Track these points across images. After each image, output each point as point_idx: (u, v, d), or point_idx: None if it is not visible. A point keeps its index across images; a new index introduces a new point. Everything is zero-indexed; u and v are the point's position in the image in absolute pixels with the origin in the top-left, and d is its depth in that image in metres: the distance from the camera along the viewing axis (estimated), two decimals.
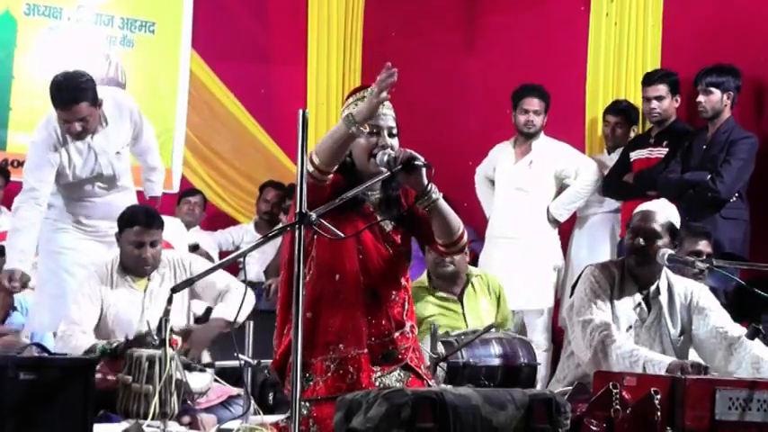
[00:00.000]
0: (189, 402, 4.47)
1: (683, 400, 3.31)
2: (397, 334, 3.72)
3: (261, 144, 8.32)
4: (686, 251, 4.80)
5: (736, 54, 5.94)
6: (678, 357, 4.03)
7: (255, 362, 4.34)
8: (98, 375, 3.99)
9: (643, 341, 4.12)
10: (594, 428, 3.35)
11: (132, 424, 3.88)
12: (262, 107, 8.33)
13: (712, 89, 5.74)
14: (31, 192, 5.27)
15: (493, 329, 4.69)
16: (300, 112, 3.10)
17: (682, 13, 6.41)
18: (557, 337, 6.42)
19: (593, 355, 3.99)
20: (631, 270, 4.21)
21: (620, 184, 6.33)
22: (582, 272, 4.30)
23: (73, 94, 5.08)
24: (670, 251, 4.11)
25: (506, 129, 6.73)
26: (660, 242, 4.13)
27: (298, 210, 3.08)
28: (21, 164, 6.93)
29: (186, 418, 4.38)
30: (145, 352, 4.16)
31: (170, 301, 3.40)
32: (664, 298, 4.21)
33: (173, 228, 6.36)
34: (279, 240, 5.74)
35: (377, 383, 3.59)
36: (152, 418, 3.83)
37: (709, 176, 5.63)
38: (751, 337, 3.96)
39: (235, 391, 4.78)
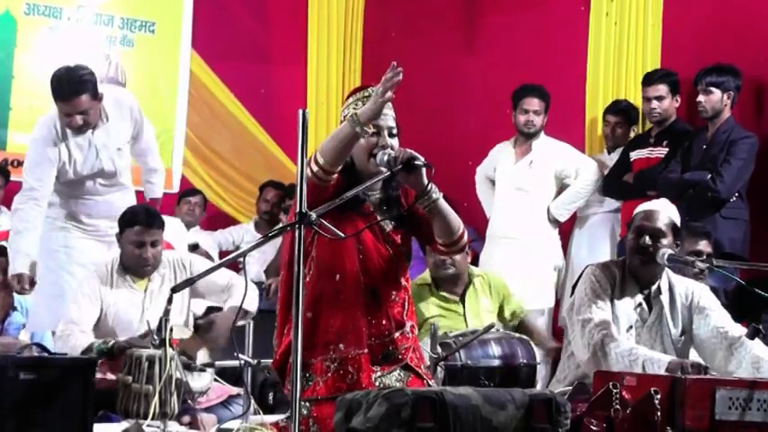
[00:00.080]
0: (189, 402, 4.47)
1: (682, 399, 3.31)
2: (397, 334, 3.72)
3: (261, 144, 8.32)
4: (686, 251, 4.79)
5: (736, 54, 5.94)
6: (679, 357, 4.03)
7: (255, 362, 4.34)
8: (98, 375, 3.98)
9: (644, 341, 4.12)
10: (594, 428, 3.35)
11: (132, 424, 3.88)
12: (262, 107, 8.33)
13: (712, 89, 5.74)
14: (30, 192, 5.26)
15: (492, 329, 4.69)
16: (300, 112, 3.10)
17: (682, 13, 6.41)
18: (557, 337, 6.41)
19: (591, 355, 3.99)
20: (634, 270, 4.20)
21: (620, 184, 6.33)
22: (582, 271, 4.29)
23: (74, 87, 5.09)
24: (670, 251, 4.11)
25: (506, 129, 6.73)
26: (665, 241, 4.13)
27: (298, 210, 3.08)
28: (21, 164, 6.92)
29: (186, 418, 4.38)
30: (145, 352, 4.16)
31: (170, 300, 3.40)
32: (665, 298, 4.20)
33: (173, 228, 6.37)
34: (279, 240, 5.75)
35: (377, 383, 3.60)
36: (152, 418, 3.83)
37: (710, 176, 5.63)
38: (751, 336, 3.96)
39: (235, 390, 4.78)
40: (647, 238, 4.14)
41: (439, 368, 4.37)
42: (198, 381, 4.57)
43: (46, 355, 3.93)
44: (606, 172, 6.47)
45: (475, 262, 6.14)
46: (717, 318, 4.17)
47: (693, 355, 4.20)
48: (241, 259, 3.65)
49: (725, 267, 4.23)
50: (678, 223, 4.25)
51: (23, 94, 7.45)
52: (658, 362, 3.84)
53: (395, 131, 3.65)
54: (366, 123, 3.41)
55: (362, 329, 3.63)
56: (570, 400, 3.49)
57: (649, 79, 6.19)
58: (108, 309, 4.83)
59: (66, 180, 5.35)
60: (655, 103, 6.13)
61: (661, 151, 6.11)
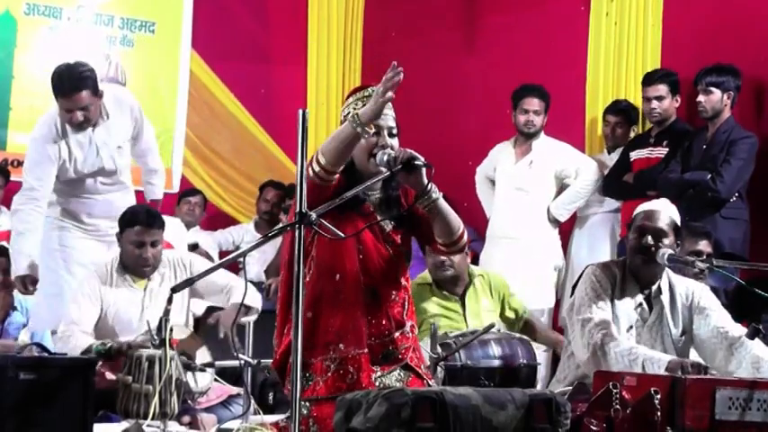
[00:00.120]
0: (189, 402, 4.47)
1: (682, 399, 3.30)
2: (397, 334, 3.72)
3: (261, 144, 8.32)
4: (686, 251, 4.79)
5: (736, 54, 5.94)
6: (679, 357, 4.02)
7: (255, 362, 4.34)
8: (97, 374, 3.99)
9: (645, 341, 4.12)
10: (594, 428, 3.35)
11: (132, 424, 3.88)
12: (262, 107, 8.33)
13: (712, 89, 5.74)
14: (30, 191, 5.27)
15: (493, 329, 4.68)
16: (300, 112, 3.10)
17: (682, 13, 6.41)
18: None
19: (591, 354, 3.98)
20: (635, 270, 4.20)
21: (620, 184, 6.33)
22: (583, 271, 4.29)
23: (75, 83, 5.11)
24: (670, 251, 4.11)
25: (506, 129, 6.73)
26: (667, 241, 4.13)
27: (298, 210, 3.08)
28: (21, 164, 6.92)
29: (186, 418, 4.38)
30: (145, 352, 4.16)
31: (170, 300, 3.40)
32: (666, 298, 4.20)
33: (173, 228, 6.36)
34: (279, 240, 5.75)
35: (377, 383, 3.60)
36: (152, 418, 3.83)
37: (710, 176, 5.63)
38: (751, 336, 3.96)
39: (235, 390, 4.78)
40: (650, 237, 4.13)
41: (439, 368, 4.37)
42: (198, 381, 4.57)
43: (46, 355, 3.93)
44: (606, 172, 6.47)
45: (475, 262, 6.13)
46: (717, 318, 4.17)
47: (693, 355, 4.20)
48: (241, 259, 3.65)
49: (725, 267, 4.23)
50: (679, 223, 4.25)
51: (23, 94, 7.45)
52: (658, 361, 3.84)
53: (395, 131, 3.65)
54: (367, 124, 3.41)
55: (362, 329, 3.63)
56: (570, 400, 3.49)
57: (649, 79, 6.19)
58: (108, 308, 4.84)
59: (67, 179, 5.35)
60: (655, 103, 6.13)
61: (661, 151, 6.11)
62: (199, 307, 5.15)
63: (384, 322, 3.69)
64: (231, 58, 8.25)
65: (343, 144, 3.45)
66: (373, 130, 3.52)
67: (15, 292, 6.01)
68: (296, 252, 3.07)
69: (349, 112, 3.63)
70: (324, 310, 3.63)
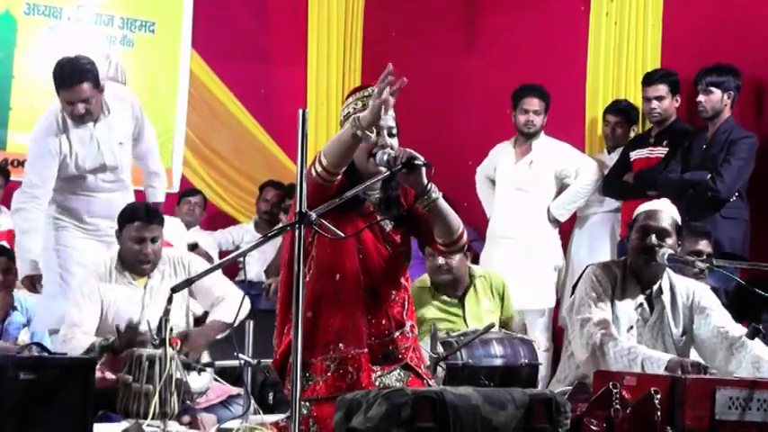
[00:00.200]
0: (189, 402, 4.47)
1: (683, 399, 3.30)
2: (397, 333, 3.72)
3: (261, 144, 8.32)
4: (686, 251, 4.78)
5: (736, 54, 5.94)
6: (680, 357, 4.02)
7: (255, 361, 4.34)
8: (98, 374, 3.99)
9: (646, 341, 4.12)
10: (594, 428, 3.35)
11: (132, 424, 3.88)
12: (262, 107, 8.33)
13: (713, 89, 5.74)
14: (31, 189, 5.28)
15: (493, 329, 4.69)
16: (300, 111, 3.10)
17: (682, 13, 6.41)
18: (557, 337, 6.42)
19: (590, 354, 3.98)
20: (636, 270, 4.19)
21: (620, 184, 6.33)
22: (583, 271, 4.29)
23: (76, 74, 5.15)
24: (670, 251, 4.10)
25: (506, 129, 6.73)
26: (670, 241, 4.13)
27: (298, 210, 3.08)
28: (21, 163, 6.94)
29: (186, 418, 4.38)
30: (145, 351, 4.16)
31: (170, 300, 3.40)
32: (666, 298, 4.20)
33: (173, 227, 6.36)
34: (279, 240, 5.74)
35: (377, 383, 3.60)
36: (152, 418, 3.83)
37: (710, 176, 5.63)
38: (751, 336, 3.96)
39: (235, 390, 4.78)
40: (654, 237, 4.12)
41: (439, 368, 4.37)
42: (198, 380, 4.57)
43: (46, 355, 3.93)
44: (606, 172, 6.47)
45: (475, 262, 6.13)
46: (717, 318, 4.17)
47: (694, 355, 4.20)
48: (241, 259, 3.65)
49: (725, 267, 4.23)
50: (680, 223, 4.25)
51: (23, 94, 7.45)
52: (657, 361, 3.84)
53: (394, 131, 3.65)
54: (368, 127, 3.41)
55: (362, 329, 3.63)
56: (570, 400, 3.48)
57: (649, 79, 6.19)
58: (108, 307, 4.83)
59: (68, 175, 5.35)
60: (655, 103, 6.13)
61: (661, 151, 6.11)
62: (198, 307, 5.14)
63: (384, 322, 3.69)
64: (231, 58, 8.25)
65: (345, 147, 3.45)
66: (374, 134, 3.52)
67: (15, 292, 6.02)
68: (296, 252, 3.07)
69: (348, 112, 3.64)
70: (324, 309, 3.63)
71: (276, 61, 8.53)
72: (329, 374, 3.59)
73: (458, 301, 5.24)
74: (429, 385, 3.73)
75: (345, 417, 3.14)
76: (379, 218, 3.67)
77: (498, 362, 4.58)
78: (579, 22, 6.87)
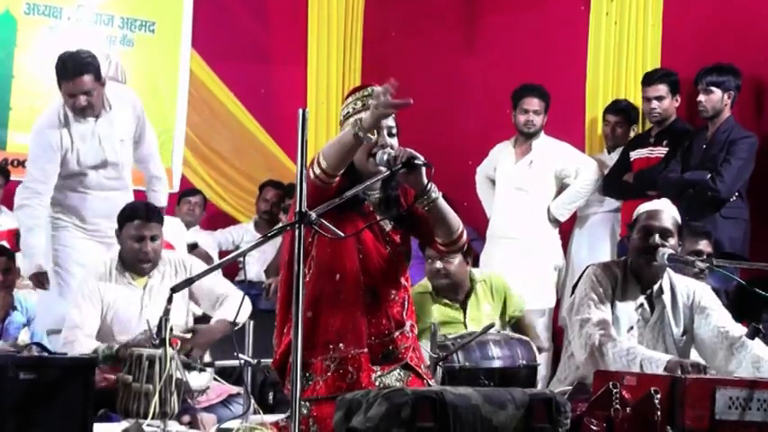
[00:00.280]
0: (189, 401, 4.47)
1: (682, 399, 3.30)
2: (396, 333, 3.72)
3: (261, 144, 8.32)
4: (686, 251, 4.78)
5: (736, 54, 5.94)
6: (680, 357, 4.02)
7: (255, 361, 4.34)
8: (98, 374, 3.99)
9: (646, 341, 4.11)
10: (594, 428, 3.35)
11: (132, 423, 3.88)
12: (262, 107, 8.33)
13: (713, 88, 5.74)
14: (33, 184, 5.29)
15: (492, 329, 4.68)
16: (300, 111, 3.10)
17: (682, 13, 6.41)
18: (557, 337, 6.42)
19: (589, 355, 3.98)
20: (637, 270, 4.18)
21: (620, 184, 6.33)
22: (583, 271, 4.28)
23: (78, 67, 5.20)
24: (670, 251, 4.10)
25: (506, 129, 6.73)
26: (672, 241, 4.13)
27: (298, 209, 3.08)
28: (21, 163, 6.95)
29: (186, 418, 4.38)
30: (145, 351, 4.16)
31: (170, 300, 3.40)
32: (667, 297, 4.19)
33: (173, 227, 6.36)
34: (279, 240, 5.74)
35: (377, 383, 3.60)
36: (152, 418, 3.83)
37: (709, 176, 5.63)
38: (751, 336, 3.96)
39: (235, 389, 4.77)
40: (657, 237, 4.12)
41: (438, 368, 4.37)
42: (198, 380, 4.57)
43: (46, 354, 3.92)
44: (606, 172, 6.47)
45: (475, 262, 6.13)
46: (718, 317, 4.17)
47: (694, 355, 4.20)
48: (241, 259, 3.65)
49: (725, 267, 4.23)
50: (680, 223, 4.25)
51: (23, 94, 7.45)
52: (657, 361, 3.83)
53: (394, 131, 3.65)
54: (369, 130, 3.41)
55: (362, 329, 3.63)
56: (570, 400, 3.48)
57: (649, 79, 6.19)
58: (108, 307, 4.83)
59: (69, 171, 5.36)
60: (655, 103, 6.13)
61: (661, 151, 6.11)
62: (198, 308, 5.14)
63: (384, 322, 3.69)
64: (231, 58, 8.25)
65: (345, 149, 3.45)
66: (375, 136, 3.52)
67: (15, 292, 6.02)
68: (296, 252, 3.07)
69: (348, 112, 3.64)
70: (324, 309, 3.63)
71: (276, 61, 8.54)
72: (329, 374, 3.59)
73: (459, 306, 5.23)
74: (429, 385, 3.73)
75: (345, 416, 3.14)
76: (378, 218, 3.67)
77: (496, 363, 4.57)
78: (579, 22, 6.87)
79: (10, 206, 6.36)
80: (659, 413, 3.28)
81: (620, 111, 6.54)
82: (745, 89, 5.85)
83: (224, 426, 3.95)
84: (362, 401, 3.11)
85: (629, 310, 4.16)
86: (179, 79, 8.00)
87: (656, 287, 4.20)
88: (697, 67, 5.89)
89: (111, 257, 4.96)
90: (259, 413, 3.92)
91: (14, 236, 6.45)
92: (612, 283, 4.16)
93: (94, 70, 5.23)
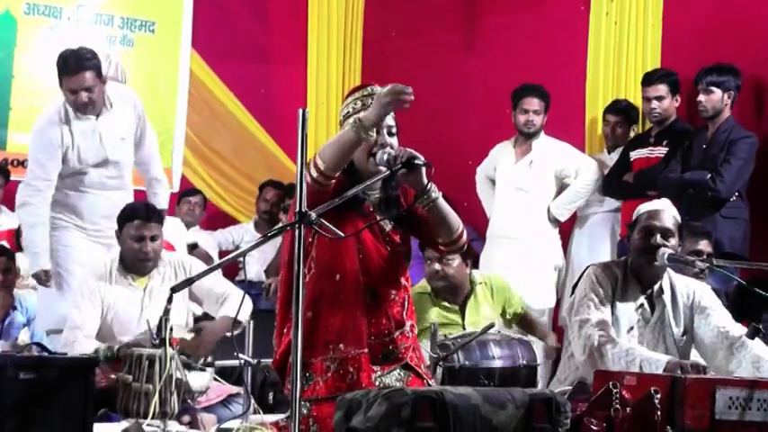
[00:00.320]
0: (189, 401, 4.47)
1: (682, 399, 3.30)
2: (396, 333, 3.72)
3: (261, 144, 8.32)
4: (686, 251, 4.78)
5: (736, 54, 5.94)
6: (681, 357, 4.02)
7: (255, 361, 4.34)
8: (98, 375, 3.98)
9: (647, 341, 4.12)
10: (594, 428, 3.35)
11: (132, 423, 3.88)
12: (262, 107, 8.33)
13: (713, 88, 5.74)
14: (35, 182, 5.30)
15: (492, 329, 4.68)
16: (300, 111, 3.10)
17: (682, 13, 6.41)
18: (557, 337, 6.41)
19: (588, 355, 3.98)
20: (637, 270, 4.18)
21: (620, 184, 6.33)
22: (583, 271, 4.28)
23: (79, 63, 5.22)
24: (670, 251, 4.10)
25: (506, 129, 6.73)
26: (673, 241, 4.13)
27: (298, 209, 3.08)
28: (21, 163, 6.95)
29: (186, 417, 4.38)
30: (145, 351, 4.16)
31: (170, 300, 3.40)
32: (667, 297, 4.19)
33: (173, 227, 6.37)
34: (279, 240, 5.74)
35: (377, 383, 3.60)
36: (152, 418, 3.83)
37: (709, 176, 5.63)
38: (751, 336, 3.96)
39: (235, 389, 4.77)
40: (658, 237, 4.11)
41: (438, 368, 4.37)
42: (198, 380, 4.56)
43: (46, 355, 3.92)
44: (606, 172, 6.47)
45: (475, 262, 6.12)
46: (718, 317, 4.17)
47: (694, 355, 4.20)
48: (241, 259, 3.65)
49: (725, 267, 4.23)
50: (680, 222, 4.25)
51: (23, 94, 7.45)
52: (656, 362, 3.83)
53: (394, 130, 3.65)
54: (370, 128, 3.41)
55: (362, 329, 3.63)
56: (570, 400, 3.48)
57: (649, 79, 6.19)
58: (108, 307, 4.83)
59: (70, 170, 5.36)
60: (655, 103, 6.13)
61: (661, 151, 6.11)
62: (198, 308, 5.14)
63: (384, 322, 3.69)
64: (231, 58, 8.25)
65: (345, 148, 3.45)
66: (375, 134, 3.52)
67: (15, 292, 6.02)
68: (296, 252, 3.06)
69: (348, 112, 3.63)
70: (324, 309, 3.63)
71: (276, 61, 8.53)
72: (329, 374, 3.59)
73: (458, 308, 5.23)
74: (429, 385, 3.73)
75: (345, 416, 3.14)
76: (378, 218, 3.67)
77: (496, 363, 4.57)
78: (579, 21, 6.87)
79: (10, 206, 6.36)
80: (659, 413, 3.28)
81: (620, 111, 6.54)
82: (745, 89, 5.85)
83: (224, 426, 3.95)
84: (362, 401, 3.11)
85: (629, 311, 4.16)
86: (179, 79, 7.99)
87: (656, 287, 4.19)
88: (697, 67, 5.89)
89: (111, 258, 4.96)
90: (259, 413, 3.92)
91: (14, 236, 6.46)
92: (613, 283, 4.16)
93: (96, 67, 5.25)
